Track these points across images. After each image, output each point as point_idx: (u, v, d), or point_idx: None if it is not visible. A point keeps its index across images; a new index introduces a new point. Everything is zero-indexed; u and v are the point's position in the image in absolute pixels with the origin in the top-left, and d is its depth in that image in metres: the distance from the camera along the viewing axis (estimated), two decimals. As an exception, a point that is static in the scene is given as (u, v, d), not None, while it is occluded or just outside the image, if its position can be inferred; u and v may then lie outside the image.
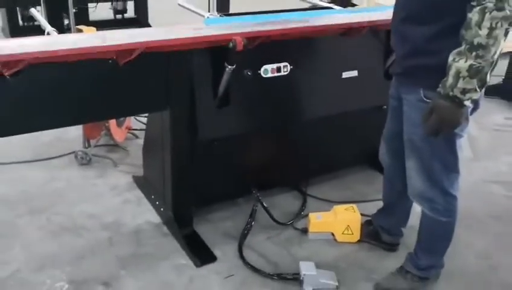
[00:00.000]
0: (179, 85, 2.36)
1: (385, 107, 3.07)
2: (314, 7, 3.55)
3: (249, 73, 2.48)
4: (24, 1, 5.48)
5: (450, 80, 1.80)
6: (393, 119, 2.34)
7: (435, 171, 2.13)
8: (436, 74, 1.86)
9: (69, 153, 3.45)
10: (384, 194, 2.65)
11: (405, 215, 2.60)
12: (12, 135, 2.18)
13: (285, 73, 2.60)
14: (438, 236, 2.31)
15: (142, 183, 3.13)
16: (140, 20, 6.66)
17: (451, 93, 1.80)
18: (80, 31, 6.12)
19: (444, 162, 2.11)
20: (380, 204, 2.69)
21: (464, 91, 1.79)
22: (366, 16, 2.78)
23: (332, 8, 3.27)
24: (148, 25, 6.55)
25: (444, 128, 1.90)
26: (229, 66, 2.34)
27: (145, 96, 2.33)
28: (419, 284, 2.35)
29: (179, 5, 3.16)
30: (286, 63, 2.59)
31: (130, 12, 6.77)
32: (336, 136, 3.11)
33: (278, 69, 2.58)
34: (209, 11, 4.62)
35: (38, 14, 2.89)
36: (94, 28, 6.28)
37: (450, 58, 1.80)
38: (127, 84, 2.23)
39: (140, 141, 3.35)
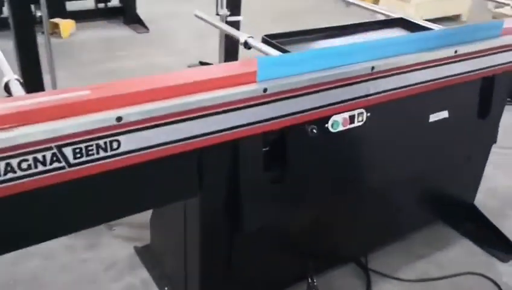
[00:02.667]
0: (215, 161, 1.54)
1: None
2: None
3: (313, 130, 1.67)
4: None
5: None
6: None
7: None
8: None
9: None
10: None
11: None
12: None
13: (360, 123, 1.80)
14: None
15: (149, 259, 2.31)
16: (127, 10, 5.73)
17: None
18: (56, 25, 5.23)
19: None
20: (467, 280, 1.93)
21: None
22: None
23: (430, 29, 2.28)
24: (136, 16, 5.63)
25: None
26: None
27: (167, 182, 1.50)
28: None
29: (196, 16, 2.31)
30: (362, 110, 1.79)
31: (115, 1, 5.82)
32: (404, 192, 2.33)
33: (351, 119, 1.77)
34: (217, 11, 3.79)
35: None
36: (72, 21, 5.41)
37: None
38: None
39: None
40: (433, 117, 2.05)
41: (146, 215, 2.26)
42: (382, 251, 2.44)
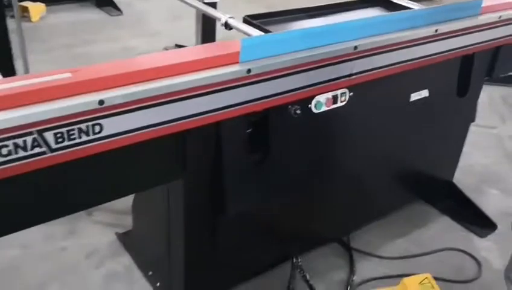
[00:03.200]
0: (199, 142, 1.51)
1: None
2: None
3: (296, 111, 1.66)
4: None
5: None
6: None
7: None
8: None
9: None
10: None
11: None
12: None
13: (343, 103, 1.80)
14: None
15: (131, 244, 2.28)
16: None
17: None
18: (25, 8, 5.05)
19: None
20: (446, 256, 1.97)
21: None
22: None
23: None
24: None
25: None
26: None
27: (150, 165, 1.47)
28: None
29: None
30: (344, 90, 1.78)
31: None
32: (385, 170, 2.34)
33: (335, 99, 1.77)
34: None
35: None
36: (42, 4, 5.24)
37: None
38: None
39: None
40: (414, 96, 2.07)
41: (126, 201, 2.22)
42: (364, 230, 2.46)
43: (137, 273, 2.16)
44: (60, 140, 1.19)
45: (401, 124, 2.11)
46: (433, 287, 2.01)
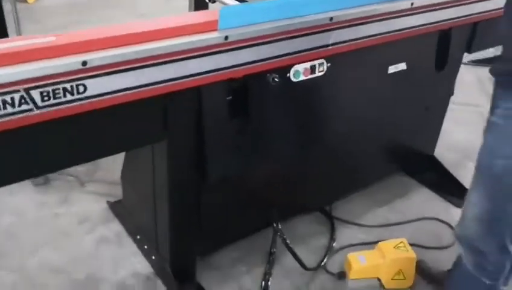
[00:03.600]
0: (181, 106, 1.60)
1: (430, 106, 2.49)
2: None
3: (275, 79, 1.74)
4: None
5: None
6: None
7: (505, 216, 1.53)
8: None
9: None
10: None
11: None
12: None
13: (321, 73, 1.88)
14: None
15: (122, 212, 2.38)
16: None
17: None
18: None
19: None
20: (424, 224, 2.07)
21: None
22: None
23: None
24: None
25: None
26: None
27: (134, 126, 1.55)
28: None
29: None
30: (322, 60, 1.86)
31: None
32: (366, 142, 2.43)
33: (312, 69, 1.85)
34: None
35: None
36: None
37: None
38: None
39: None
40: (392, 69, 2.14)
41: (118, 173, 2.32)
42: (346, 200, 2.56)
43: (127, 239, 2.27)
44: (46, 98, 1.28)
45: (380, 96, 2.19)
46: (407, 250, 2.12)
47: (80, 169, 2.68)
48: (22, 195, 2.49)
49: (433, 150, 2.80)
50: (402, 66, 2.16)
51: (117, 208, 2.41)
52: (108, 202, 2.45)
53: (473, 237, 1.61)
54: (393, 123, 2.41)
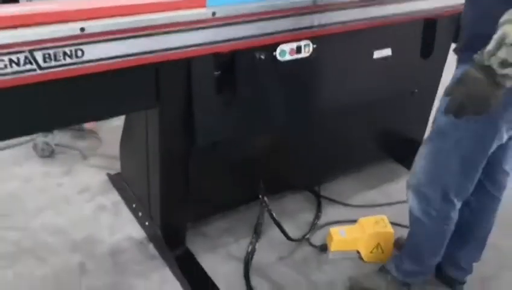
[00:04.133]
0: (171, 76, 1.74)
1: (416, 91, 2.60)
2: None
3: (261, 56, 1.87)
4: None
5: (491, 45, 1.31)
6: None
7: (448, 168, 1.70)
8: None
9: (26, 143, 2.78)
10: None
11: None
12: None
13: (307, 54, 2.01)
14: (423, 240, 1.93)
15: (120, 183, 2.53)
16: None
17: (486, 63, 1.32)
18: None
19: (464, 162, 1.68)
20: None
21: (504, 64, 1.28)
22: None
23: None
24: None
25: (470, 108, 1.40)
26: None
27: (128, 91, 1.70)
28: (399, 287, 2.00)
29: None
30: (308, 42, 1.99)
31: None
32: (356, 127, 2.56)
33: (298, 50, 1.98)
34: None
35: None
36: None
37: (502, 19, 1.31)
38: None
39: (116, 123, 2.72)
40: (377, 54, 2.26)
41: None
42: (335, 182, 2.68)
43: (123, 207, 2.42)
44: (47, 60, 1.43)
45: (366, 80, 2.30)
46: (386, 226, 2.24)
47: (83, 144, 2.85)
48: (29, 165, 2.66)
49: (423, 137, 2.90)
50: (387, 51, 2.28)
51: (116, 180, 2.56)
52: (108, 174, 2.61)
53: (420, 183, 1.79)
54: (380, 108, 2.52)
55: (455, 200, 1.77)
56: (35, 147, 2.71)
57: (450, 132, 1.65)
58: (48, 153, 2.72)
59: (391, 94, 2.47)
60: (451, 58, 2.66)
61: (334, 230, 2.25)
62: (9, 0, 3.61)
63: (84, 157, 2.76)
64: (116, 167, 2.61)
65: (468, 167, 1.70)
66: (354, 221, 2.38)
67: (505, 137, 1.66)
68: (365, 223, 2.24)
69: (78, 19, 1.46)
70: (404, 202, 2.56)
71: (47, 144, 2.70)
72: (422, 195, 1.80)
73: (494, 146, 1.66)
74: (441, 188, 1.75)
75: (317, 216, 2.46)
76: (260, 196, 2.22)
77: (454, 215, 1.82)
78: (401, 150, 2.84)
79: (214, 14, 1.66)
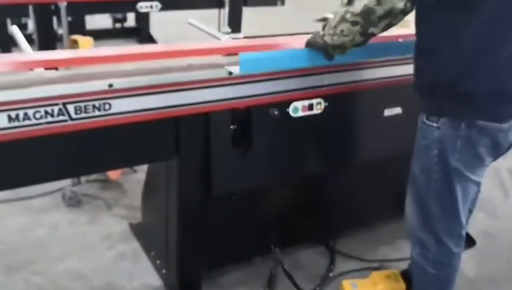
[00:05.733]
0: (190, 129, 1.88)
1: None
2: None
3: (275, 112, 2.01)
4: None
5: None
6: None
7: (430, 211, 1.83)
8: (431, 95, 1.72)
9: (55, 191, 2.94)
10: None
11: None
12: None
13: (319, 111, 2.13)
14: (425, 286, 2.01)
15: (140, 232, 2.64)
16: (141, 30, 6.20)
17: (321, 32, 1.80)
18: (75, 41, 5.70)
19: (441, 203, 1.81)
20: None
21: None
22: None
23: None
24: (150, 36, 6.09)
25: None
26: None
27: (150, 142, 1.85)
28: None
29: (190, 23, 2.70)
30: (319, 100, 2.12)
31: (131, 21, 6.31)
32: (370, 182, 2.63)
33: (310, 107, 2.11)
34: (219, 28, 4.21)
35: (19, 33, 2.39)
36: (90, 39, 5.87)
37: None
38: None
39: (140, 176, 2.87)
40: (388, 112, 2.37)
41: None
42: (348, 237, 2.72)
43: (143, 255, 2.51)
44: (78, 112, 1.59)
45: (377, 137, 2.40)
46: (398, 281, 2.25)
47: (108, 194, 2.99)
48: (56, 213, 2.81)
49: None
50: (397, 110, 2.39)
51: (137, 229, 2.67)
52: (129, 223, 2.72)
53: (414, 228, 1.91)
54: (392, 164, 2.59)
55: (449, 244, 1.83)
56: (63, 196, 2.87)
57: (421, 176, 1.81)
58: (74, 202, 2.86)
59: (403, 152, 2.54)
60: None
61: (347, 283, 2.27)
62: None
63: (108, 207, 2.89)
64: (138, 216, 2.73)
65: (447, 208, 1.80)
66: (366, 275, 2.42)
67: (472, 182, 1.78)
68: (377, 278, 2.27)
69: (107, 77, 1.63)
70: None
71: (74, 193, 2.86)
72: (418, 240, 1.91)
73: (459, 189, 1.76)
74: (432, 231, 1.84)
75: (330, 269, 2.49)
76: (273, 249, 2.29)
77: (453, 261, 1.87)
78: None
79: (230, 73, 1.81)
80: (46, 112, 1.54)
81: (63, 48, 3.85)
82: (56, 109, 1.55)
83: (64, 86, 1.56)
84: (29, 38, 4.31)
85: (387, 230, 2.83)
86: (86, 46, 5.60)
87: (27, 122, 1.52)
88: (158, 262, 2.39)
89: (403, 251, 2.65)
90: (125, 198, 2.99)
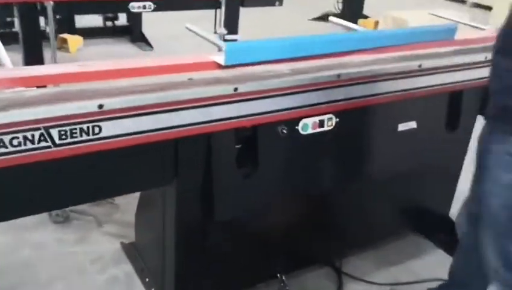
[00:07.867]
0: (191, 151, 1.69)
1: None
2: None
3: (283, 130, 1.82)
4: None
5: None
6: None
7: None
8: None
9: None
10: (455, 268, 2.15)
11: None
12: None
13: (330, 128, 1.95)
14: None
15: (133, 254, 2.44)
16: (133, 29, 5.96)
17: None
18: (64, 40, 5.46)
19: None
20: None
21: None
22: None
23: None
24: (142, 35, 5.86)
25: None
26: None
27: (145, 167, 1.65)
28: None
29: (187, 28, 2.49)
30: (331, 115, 1.94)
31: (122, 19, 6.08)
32: (380, 200, 2.46)
33: (321, 123, 1.93)
34: (215, 30, 4.00)
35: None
36: (80, 37, 5.64)
37: None
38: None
39: (132, 190, 2.65)
40: (402, 127, 2.20)
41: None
42: (357, 257, 2.56)
43: (136, 280, 2.32)
44: (63, 137, 1.39)
45: (390, 153, 2.23)
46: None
47: (99, 210, 2.79)
48: (42, 231, 2.60)
49: (448, 210, 2.78)
50: (412, 124, 2.22)
51: (129, 250, 2.48)
52: (121, 243, 2.53)
53: (495, 267, 1.70)
54: (405, 181, 2.43)
55: None
56: (49, 213, 2.66)
57: (504, 213, 1.62)
58: (62, 219, 2.66)
59: (417, 168, 2.38)
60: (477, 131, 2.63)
61: (358, 312, 2.11)
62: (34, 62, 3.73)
63: (99, 223, 2.69)
64: (131, 235, 2.53)
65: None
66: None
67: None
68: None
69: (96, 96, 1.43)
70: (430, 280, 2.46)
71: (62, 209, 2.65)
72: (503, 280, 1.70)
73: None
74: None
75: (338, 293, 2.33)
76: (278, 275, 2.12)
77: None
78: (426, 223, 2.72)
79: (236, 89, 1.62)
80: (26, 138, 1.34)
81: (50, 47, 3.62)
82: (37, 134, 1.35)
83: (47, 107, 1.36)
84: (16, 37, 4.12)
85: (396, 249, 2.66)
86: (75, 45, 5.41)
87: (3, 150, 1.32)
88: (153, 289, 2.20)
89: (414, 273, 2.50)
90: (116, 213, 2.79)
